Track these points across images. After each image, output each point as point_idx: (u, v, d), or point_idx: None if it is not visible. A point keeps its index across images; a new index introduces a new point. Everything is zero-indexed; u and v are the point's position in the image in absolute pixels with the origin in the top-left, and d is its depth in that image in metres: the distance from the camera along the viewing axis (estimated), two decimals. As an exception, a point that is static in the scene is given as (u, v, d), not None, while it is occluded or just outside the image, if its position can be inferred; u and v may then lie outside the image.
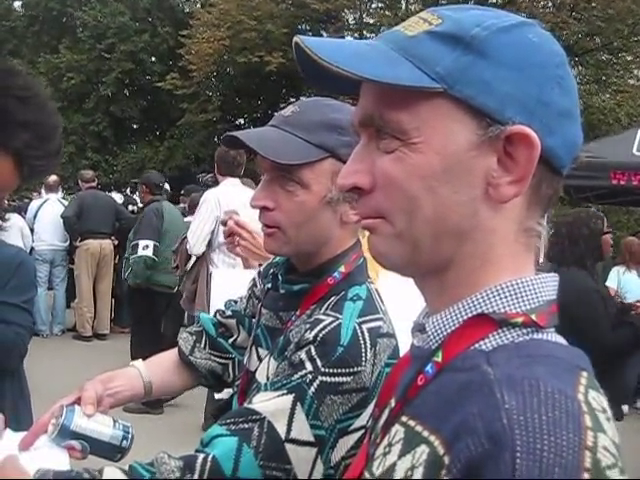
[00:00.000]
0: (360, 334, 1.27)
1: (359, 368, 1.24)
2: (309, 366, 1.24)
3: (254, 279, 1.72)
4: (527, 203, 0.78)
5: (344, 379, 1.23)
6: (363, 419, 1.24)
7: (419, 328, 0.85)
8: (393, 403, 0.85)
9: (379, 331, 1.31)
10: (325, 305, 1.37)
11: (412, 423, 0.75)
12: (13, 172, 1.33)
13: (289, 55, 17.95)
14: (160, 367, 1.69)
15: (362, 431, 1.24)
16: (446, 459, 0.65)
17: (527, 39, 0.77)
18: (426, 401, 0.75)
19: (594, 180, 6.72)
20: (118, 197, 12.63)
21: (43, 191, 10.02)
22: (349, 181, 0.82)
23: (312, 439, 1.22)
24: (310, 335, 1.28)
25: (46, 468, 1.21)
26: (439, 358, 0.77)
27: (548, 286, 0.79)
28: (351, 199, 1.27)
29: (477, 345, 0.75)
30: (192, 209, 8.32)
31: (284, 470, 1.21)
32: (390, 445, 0.78)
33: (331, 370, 1.23)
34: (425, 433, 0.71)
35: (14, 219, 8.15)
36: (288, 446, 1.21)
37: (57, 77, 21.29)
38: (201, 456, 1.21)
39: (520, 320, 0.75)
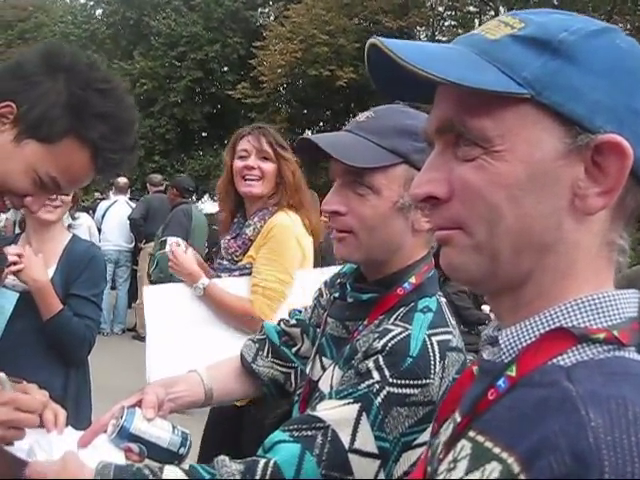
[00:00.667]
0: (430, 346, 1.24)
1: (428, 381, 1.21)
2: (377, 376, 1.22)
3: (320, 289, 1.70)
4: (611, 215, 0.74)
5: (412, 391, 1.20)
6: (427, 434, 1.19)
7: (490, 341, 0.81)
8: (458, 418, 0.81)
9: (448, 344, 1.27)
10: (394, 316, 1.34)
11: (481, 439, 0.71)
12: (89, 163, 1.35)
13: (360, 70, 18.03)
14: (221, 374, 1.68)
15: (425, 446, 1.22)
16: (522, 477, 0.61)
17: (615, 45, 0.74)
18: (498, 416, 0.71)
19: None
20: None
21: (111, 193, 10.23)
22: (423, 190, 0.79)
23: (376, 451, 1.19)
24: (378, 344, 1.26)
25: (108, 461, 1.22)
26: (513, 372, 0.73)
27: (630, 302, 0.75)
28: (424, 207, 1.26)
29: (555, 360, 0.71)
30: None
31: None
32: (455, 461, 0.74)
33: (399, 381, 1.20)
34: (496, 450, 0.66)
35: (83, 218, 8.33)
36: (351, 456, 1.18)
37: (130, 83, 21.80)
38: (262, 461, 1.19)
39: (602, 336, 0.71)
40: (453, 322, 1.35)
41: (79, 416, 2.44)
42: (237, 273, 2.65)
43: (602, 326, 0.72)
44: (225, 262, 2.73)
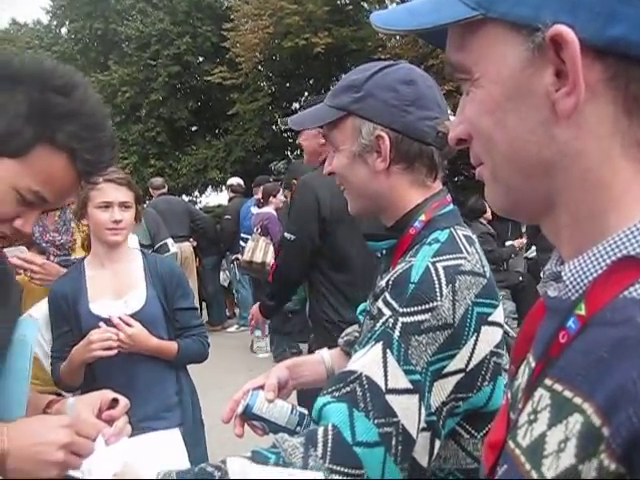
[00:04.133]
0: (433, 271, 1.26)
1: (435, 303, 1.22)
2: (387, 311, 1.25)
3: None
4: (623, 111, 0.67)
5: (423, 317, 1.22)
6: (459, 362, 1.23)
7: (554, 277, 0.77)
8: (533, 362, 0.77)
9: (458, 268, 1.28)
10: (409, 254, 1.37)
11: (559, 387, 0.66)
12: (68, 168, 1.29)
13: (334, 33, 17.77)
14: (339, 355, 1.77)
15: (461, 374, 1.23)
16: (605, 431, 0.56)
17: None
18: (573, 362, 0.66)
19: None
20: (187, 200, 12.90)
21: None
22: (452, 135, 0.81)
23: (410, 386, 1.19)
24: (383, 282, 1.31)
25: (168, 469, 1.22)
26: (582, 311, 0.67)
27: None
28: (377, 148, 1.41)
29: (627, 293, 0.64)
30: (266, 199, 8.43)
31: (393, 424, 1.18)
32: (536, 412, 0.70)
33: (408, 309, 1.23)
34: (577, 400, 0.62)
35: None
36: (389, 398, 1.18)
37: (111, 93, 21.69)
38: (321, 428, 1.19)
39: None
40: (470, 249, 1.35)
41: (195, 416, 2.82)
42: None
43: None
44: (63, 256, 3.01)
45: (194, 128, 23.26)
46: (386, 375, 1.20)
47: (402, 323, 1.22)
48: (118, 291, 2.68)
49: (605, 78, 0.66)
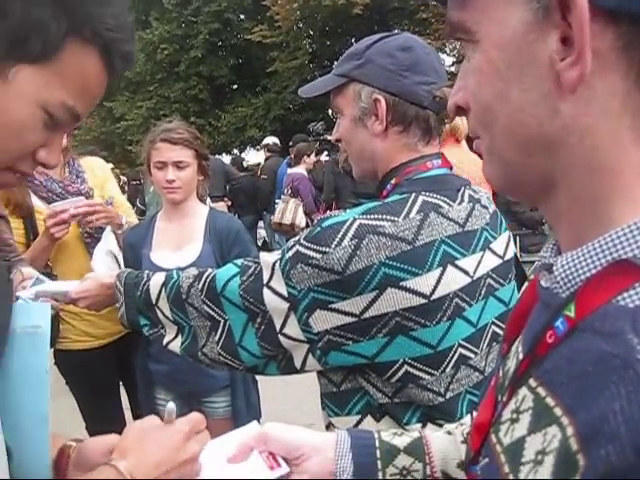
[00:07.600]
0: (348, 224, 1.34)
1: (327, 249, 1.32)
2: (295, 239, 1.41)
3: None
4: (635, 87, 0.59)
5: (313, 254, 1.33)
6: (349, 306, 1.31)
7: (546, 267, 0.71)
8: (521, 354, 0.72)
9: (376, 229, 1.32)
10: None
11: (542, 392, 0.62)
12: (101, 70, 0.92)
13: (374, -9, 17.47)
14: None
15: (353, 318, 1.32)
16: (580, 460, 0.52)
17: None
18: (557, 367, 0.61)
19: None
20: (227, 159, 12.89)
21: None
22: (450, 102, 0.74)
23: (285, 293, 1.36)
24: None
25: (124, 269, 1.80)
26: (572, 312, 0.62)
27: None
28: (375, 111, 1.47)
29: (620, 298, 0.58)
30: (298, 159, 8.43)
31: (259, 308, 1.40)
32: (518, 412, 0.66)
33: (305, 243, 1.36)
34: (557, 411, 0.58)
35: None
36: (265, 290, 1.39)
37: (152, 51, 21.74)
38: (210, 271, 1.53)
39: None
40: (413, 216, 1.36)
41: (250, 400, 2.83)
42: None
43: None
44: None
45: (234, 86, 23.24)
46: (271, 276, 1.39)
47: (296, 250, 1.36)
48: (178, 244, 2.78)
49: (617, 47, 0.58)
